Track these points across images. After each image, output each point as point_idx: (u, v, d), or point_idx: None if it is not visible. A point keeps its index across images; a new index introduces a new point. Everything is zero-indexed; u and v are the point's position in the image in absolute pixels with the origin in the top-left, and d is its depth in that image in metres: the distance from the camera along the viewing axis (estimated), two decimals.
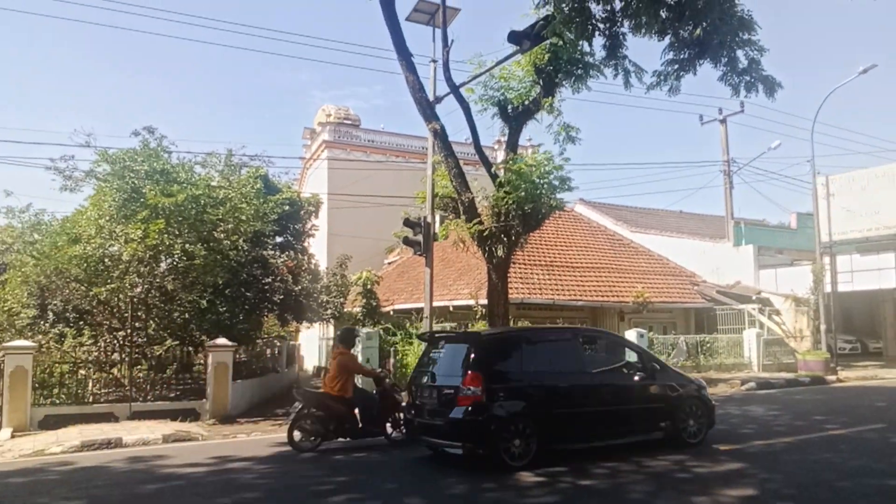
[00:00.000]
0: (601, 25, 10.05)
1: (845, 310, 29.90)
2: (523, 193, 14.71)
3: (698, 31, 9.17)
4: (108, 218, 14.16)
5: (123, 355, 14.13)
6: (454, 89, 15.35)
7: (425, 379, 9.03)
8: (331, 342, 27.38)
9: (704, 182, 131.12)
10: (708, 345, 23.07)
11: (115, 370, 14.14)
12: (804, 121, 42.07)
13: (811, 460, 8.10)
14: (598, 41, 10.47)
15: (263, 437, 11.46)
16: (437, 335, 10.51)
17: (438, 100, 16.11)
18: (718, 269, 28.45)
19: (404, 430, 9.87)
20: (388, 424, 10.27)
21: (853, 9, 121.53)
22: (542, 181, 14.97)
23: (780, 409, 13.74)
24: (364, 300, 21.57)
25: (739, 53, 10.06)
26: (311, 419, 9.79)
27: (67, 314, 15.72)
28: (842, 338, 27.45)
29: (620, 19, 9.99)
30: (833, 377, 20.66)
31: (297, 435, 9.68)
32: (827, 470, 7.50)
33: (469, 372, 8.03)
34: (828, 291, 23.66)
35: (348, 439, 9.95)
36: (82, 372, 13.59)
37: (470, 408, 7.85)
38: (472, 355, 8.29)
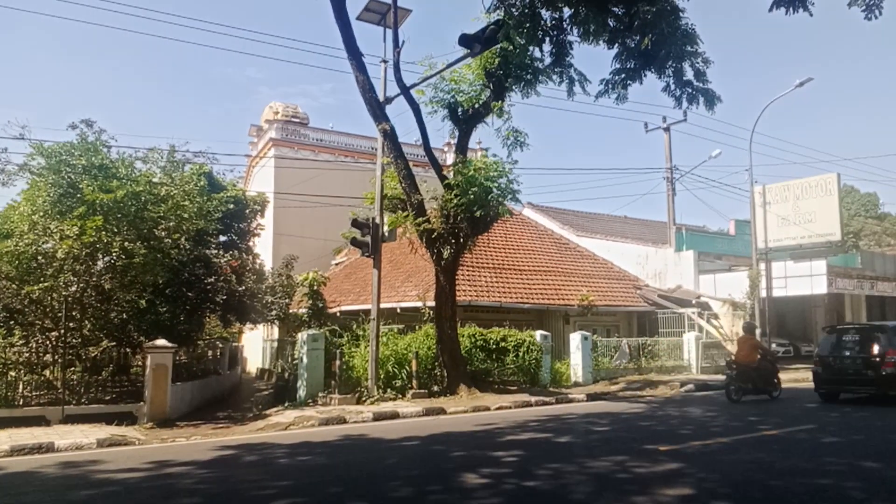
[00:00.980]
0: (550, 32, 10.20)
1: (779, 314, 31.07)
2: (472, 197, 14.80)
3: (646, 41, 9.38)
4: (42, 213, 13.61)
5: (56, 356, 13.60)
6: (405, 90, 15.35)
7: (847, 353, 14.98)
8: (275, 344, 26.99)
9: (648, 188, 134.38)
10: (650, 347, 23.62)
11: (47, 372, 13.59)
12: (743, 131, 43.64)
13: (746, 460, 8.35)
14: (547, 47, 10.63)
15: (204, 441, 11.18)
16: (845, 327, 17.07)
17: (389, 100, 16.07)
18: (660, 273, 29.18)
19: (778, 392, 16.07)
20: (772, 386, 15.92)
21: (791, 22, 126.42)
22: (491, 185, 15.09)
23: (717, 410, 14.16)
24: (310, 301, 21.31)
25: (685, 65, 10.34)
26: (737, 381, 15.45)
27: None
28: (776, 341, 28.47)
29: (569, 27, 10.16)
30: None
31: (731, 391, 15.41)
32: (760, 469, 7.74)
33: (890, 349, 14.21)
34: (763, 296, 24.52)
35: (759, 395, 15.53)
36: (12, 374, 13.00)
37: (891, 369, 14.07)
38: (891, 337, 14.52)
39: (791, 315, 32.35)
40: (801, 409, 14.21)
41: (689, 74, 10.63)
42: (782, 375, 22.32)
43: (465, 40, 12.90)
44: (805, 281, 25.49)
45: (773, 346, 26.86)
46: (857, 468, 7.94)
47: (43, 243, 13.33)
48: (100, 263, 14.20)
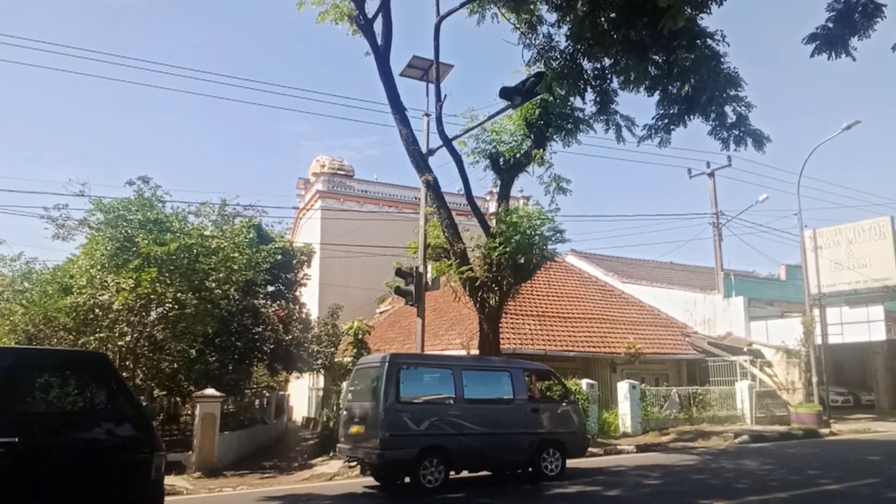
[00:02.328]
0: (592, 82, 10.32)
1: (836, 362, 29.89)
2: (515, 244, 14.84)
3: (686, 87, 9.41)
4: (99, 267, 14.12)
5: None
6: (447, 142, 15.63)
7: None
8: (320, 393, 27.10)
9: (693, 234, 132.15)
10: (700, 397, 22.93)
11: None
12: (790, 174, 42.93)
13: None
14: (589, 96, 10.74)
15: (250, 491, 11.23)
16: None
17: (431, 152, 16.36)
18: (709, 320, 28.50)
19: None
20: None
21: (837, 66, 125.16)
22: (534, 233, 15.12)
23: (774, 463, 13.61)
24: (355, 350, 21.41)
25: (727, 109, 10.31)
26: None
27: None
28: (834, 390, 27.36)
29: (610, 76, 10.27)
30: (826, 430, 20.53)
31: None
32: None
33: None
34: (818, 343, 23.70)
35: None
36: None
37: None
38: None
39: (849, 363, 31.10)
40: (863, 462, 13.57)
41: (732, 118, 10.58)
42: (841, 426, 21.56)
43: (505, 93, 13.14)
44: (862, 327, 24.55)
45: (832, 395, 25.85)
46: None
47: (100, 296, 13.79)
48: (153, 314, 14.60)
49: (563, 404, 12.59)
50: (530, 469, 11.46)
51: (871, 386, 31.05)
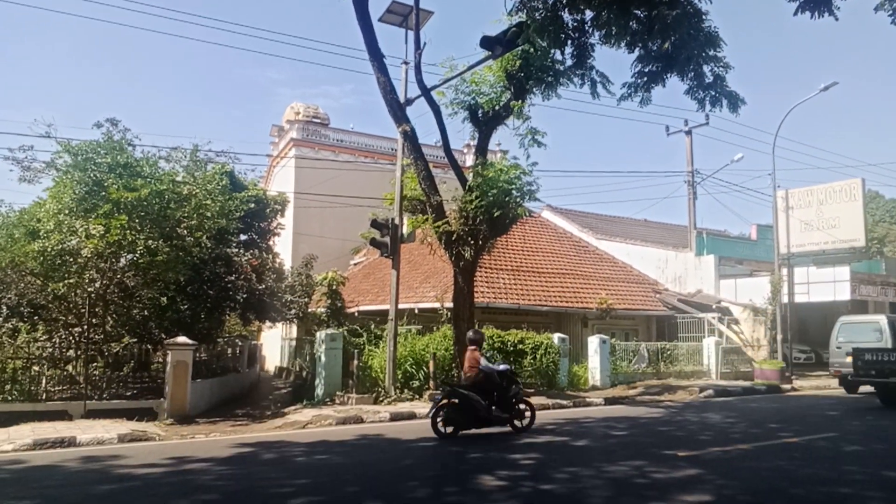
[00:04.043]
0: (573, 34, 10.16)
1: (801, 320, 30.67)
2: (492, 198, 14.79)
3: (666, 44, 9.32)
4: (67, 211, 13.81)
5: (79, 352, 13.81)
6: (425, 92, 15.38)
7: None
8: (293, 343, 27.20)
9: (669, 192, 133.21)
10: (668, 352, 23.44)
11: (69, 367, 13.81)
12: (766, 135, 43.20)
13: (766, 467, 8.27)
14: (569, 50, 10.59)
15: (222, 438, 11.28)
16: None
17: (409, 102, 16.11)
18: (680, 277, 28.96)
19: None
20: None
21: (817, 26, 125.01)
22: (510, 187, 15.06)
23: (736, 416, 14.02)
24: (329, 301, 21.43)
25: (706, 69, 10.28)
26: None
27: (22, 309, 15.31)
28: (797, 348, 28.14)
29: (591, 29, 10.12)
30: (788, 386, 21.20)
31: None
32: (781, 477, 7.66)
33: None
34: (785, 302, 24.24)
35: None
36: (36, 368, 13.24)
37: None
38: None
39: (813, 321, 31.91)
40: (821, 417, 14.04)
41: (709, 79, 10.56)
42: (803, 382, 22.22)
43: (486, 42, 12.89)
44: (828, 287, 25.13)
45: (795, 352, 26.58)
46: (880, 478, 7.84)
47: (68, 242, 13.53)
48: (123, 261, 14.38)
49: None
50: None
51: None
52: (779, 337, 23.60)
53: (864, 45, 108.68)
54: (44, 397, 12.96)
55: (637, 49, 10.16)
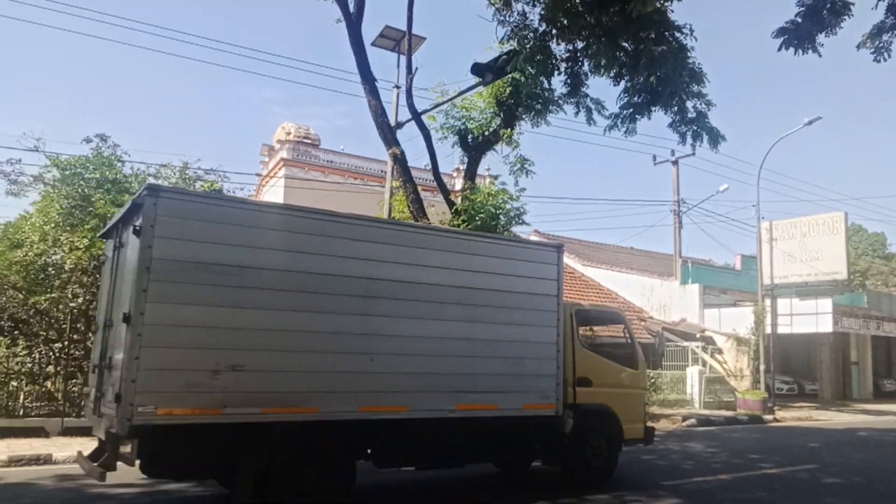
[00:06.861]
0: (563, 64, 10.31)
1: (784, 351, 30.85)
2: (479, 222, 14.87)
3: (652, 78, 9.48)
4: (53, 225, 13.72)
5: (59, 368, 13.61)
6: (416, 116, 15.50)
7: None
8: None
9: (655, 220, 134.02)
10: (652, 380, 23.44)
11: (48, 383, 13.60)
12: (751, 166, 43.73)
13: (746, 498, 8.29)
14: (560, 78, 10.74)
15: None
16: None
17: (400, 125, 16.23)
18: (665, 305, 29.09)
19: None
20: None
21: (804, 61, 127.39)
22: (498, 211, 15.17)
23: (718, 446, 14.04)
24: None
25: (689, 104, 10.46)
26: None
27: (2, 322, 15.10)
28: (780, 378, 28.26)
29: (581, 59, 10.28)
30: (770, 417, 21.25)
31: None
32: None
33: None
34: (768, 333, 24.40)
35: None
36: (14, 384, 13.02)
37: None
38: None
39: (795, 353, 32.12)
40: (803, 448, 14.08)
41: (692, 114, 10.74)
42: (785, 413, 22.30)
43: (477, 69, 13.03)
44: (811, 319, 25.34)
45: (778, 383, 26.69)
46: None
47: (52, 254, 13.42)
48: None
49: None
50: None
51: (815, 376, 32.14)
52: (762, 367, 23.70)
53: (847, 81, 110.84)
54: (21, 413, 12.74)
55: (623, 81, 10.33)
